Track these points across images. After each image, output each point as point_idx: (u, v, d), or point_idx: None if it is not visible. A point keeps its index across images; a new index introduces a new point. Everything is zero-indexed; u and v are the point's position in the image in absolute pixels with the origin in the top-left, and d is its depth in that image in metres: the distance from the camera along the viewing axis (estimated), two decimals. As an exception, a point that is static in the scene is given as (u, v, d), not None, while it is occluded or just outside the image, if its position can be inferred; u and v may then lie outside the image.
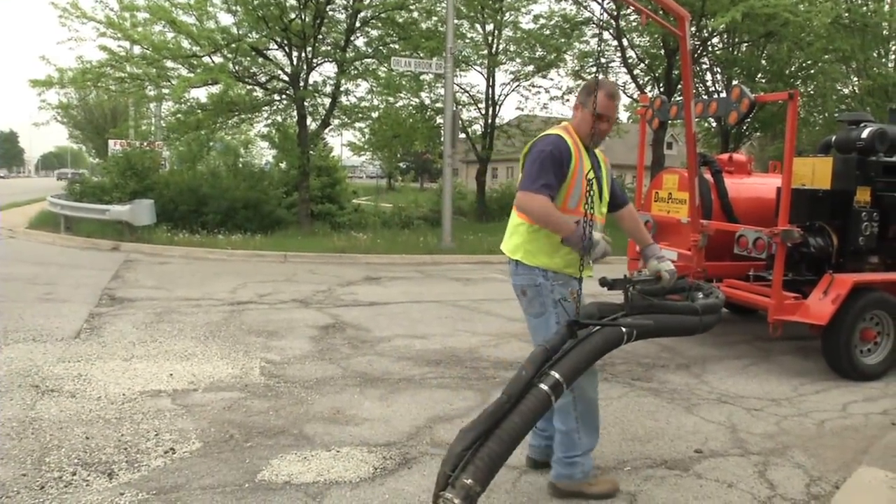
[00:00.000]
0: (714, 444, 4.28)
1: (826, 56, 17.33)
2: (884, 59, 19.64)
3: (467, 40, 20.76)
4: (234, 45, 14.92)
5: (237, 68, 15.82)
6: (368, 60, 17.74)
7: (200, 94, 17.99)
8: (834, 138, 6.54)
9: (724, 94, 21.61)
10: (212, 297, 8.28)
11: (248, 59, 16.27)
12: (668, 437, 4.37)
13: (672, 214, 6.96)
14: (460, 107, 21.29)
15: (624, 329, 2.93)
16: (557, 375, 2.76)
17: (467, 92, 22.15)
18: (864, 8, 18.01)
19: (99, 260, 11.45)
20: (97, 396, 4.69)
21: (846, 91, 20.04)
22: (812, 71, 18.74)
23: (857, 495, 3.62)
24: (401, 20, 17.28)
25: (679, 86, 19.33)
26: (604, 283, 3.18)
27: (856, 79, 20.25)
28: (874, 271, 6.20)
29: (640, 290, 3.18)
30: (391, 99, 18.19)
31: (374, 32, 17.88)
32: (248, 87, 16.74)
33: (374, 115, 18.60)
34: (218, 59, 15.21)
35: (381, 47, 17.58)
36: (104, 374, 5.18)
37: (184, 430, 4.17)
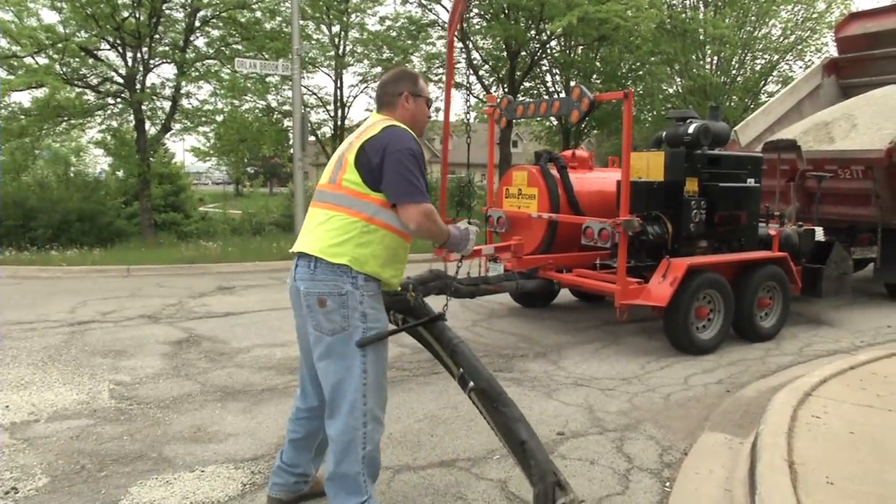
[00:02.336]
0: (574, 425, 4.50)
1: (653, 58, 18.75)
2: (701, 62, 21.53)
3: (314, 41, 20.46)
4: (60, 45, 13.78)
5: (65, 70, 14.63)
6: (210, 62, 17.02)
7: (23, 98, 16.51)
8: (664, 134, 7.08)
9: (563, 94, 22.84)
10: (48, 319, 7.61)
11: (77, 59, 15.10)
12: (532, 423, 4.47)
13: (522, 209, 7.24)
14: (309, 109, 20.96)
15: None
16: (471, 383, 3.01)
17: (315, 94, 21.85)
18: (683, 15, 19.65)
19: None
20: (-85, 438, 4.18)
21: (671, 91, 21.79)
22: (641, 72, 20.18)
23: (703, 458, 3.95)
24: (243, 20, 16.72)
25: (522, 86, 20.25)
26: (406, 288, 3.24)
27: (679, 79, 22.05)
28: (704, 254, 6.78)
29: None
30: (236, 102, 17.58)
31: (216, 32, 17.18)
32: (78, 90, 15.54)
33: (219, 118, 17.88)
34: (43, 59, 14.00)
35: (223, 48, 16.93)
36: (-78, 413, 4.62)
37: (27, 465, 3.80)
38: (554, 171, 7.20)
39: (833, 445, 3.77)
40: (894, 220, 8.45)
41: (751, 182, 7.04)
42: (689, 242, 6.73)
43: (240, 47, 16.65)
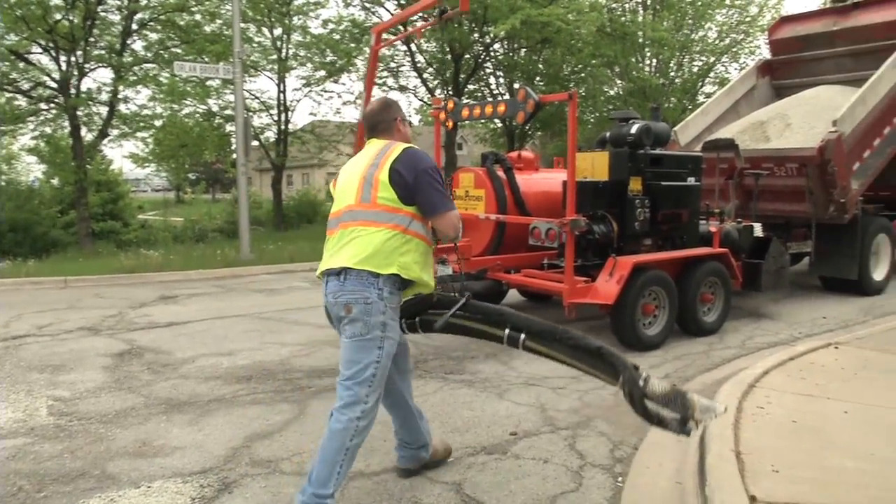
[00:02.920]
0: (527, 424, 4.53)
1: (594, 61, 19.08)
2: (640, 64, 22.02)
3: (255, 44, 20.17)
4: (-13, 49, 13.27)
5: (-7, 74, 14.11)
6: (149, 65, 16.63)
7: (-53, 104, 15.80)
8: (608, 134, 7.20)
9: (507, 96, 23.04)
10: (-22, 334, 7.28)
11: (7, 63, 14.53)
12: (485, 424, 4.55)
13: (470, 211, 7.26)
14: (251, 113, 20.65)
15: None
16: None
17: (258, 98, 21.54)
18: (623, 18, 20.06)
19: None
20: None
21: (612, 92, 22.20)
22: (583, 75, 20.53)
23: (654, 453, 4.02)
24: (182, 23, 16.38)
25: (467, 88, 20.33)
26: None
27: (620, 81, 22.50)
28: (649, 252, 6.91)
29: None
30: (176, 106, 17.20)
31: (154, 35, 16.80)
32: (8, 95, 14.96)
33: (158, 123, 17.47)
34: (-32, 63, 13.44)
35: (161, 51, 16.54)
36: None
37: (-44, 488, 3.63)
38: (500, 173, 7.25)
39: (777, 434, 3.88)
40: (826, 215, 8.76)
41: (691, 181, 7.22)
42: (634, 241, 6.86)
43: (179, 51, 16.31)
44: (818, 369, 5.30)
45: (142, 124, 17.20)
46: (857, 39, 10.35)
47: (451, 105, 7.20)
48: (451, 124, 7.29)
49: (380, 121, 3.41)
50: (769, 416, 4.14)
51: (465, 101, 7.29)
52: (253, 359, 6.27)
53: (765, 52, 14.63)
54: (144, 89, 16.85)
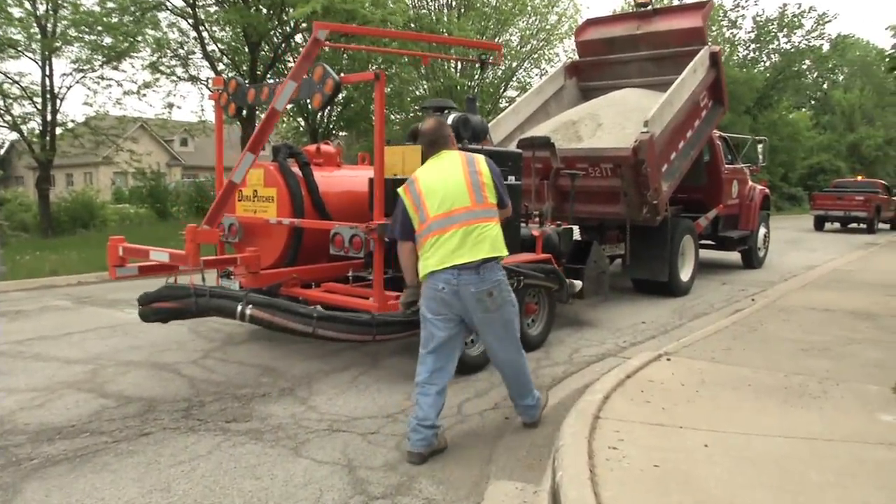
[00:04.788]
0: (331, 495, 3.42)
1: (402, 60, 18.31)
2: (447, 65, 21.67)
3: (16, 20, 17.08)
4: None
5: None
6: None
7: None
8: (420, 125, 6.27)
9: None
10: None
11: None
12: (275, 498, 3.38)
13: (259, 214, 6.02)
14: (9, 100, 17.56)
15: None
16: None
17: (17, 82, 18.29)
18: (430, 18, 19.53)
19: None
20: None
21: (419, 92, 21.66)
22: (389, 73, 19.70)
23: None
24: None
25: (266, 82, 18.69)
26: None
27: (426, 82, 22.02)
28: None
29: None
30: None
31: None
32: None
33: None
34: None
35: None
36: None
37: None
38: (296, 169, 6.07)
39: (643, 488, 3.11)
40: (640, 217, 8.56)
41: (512, 179, 6.50)
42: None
43: None
44: (659, 388, 4.72)
45: None
46: (658, 44, 10.43)
47: (233, 86, 5.91)
48: (233, 109, 5.96)
49: (440, 136, 4.12)
50: (628, 463, 3.38)
51: (250, 83, 6.02)
52: (-49, 418, 4.57)
53: (563, 60, 14.74)
54: None
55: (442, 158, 4.03)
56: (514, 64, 23.06)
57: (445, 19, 19.86)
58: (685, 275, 9.66)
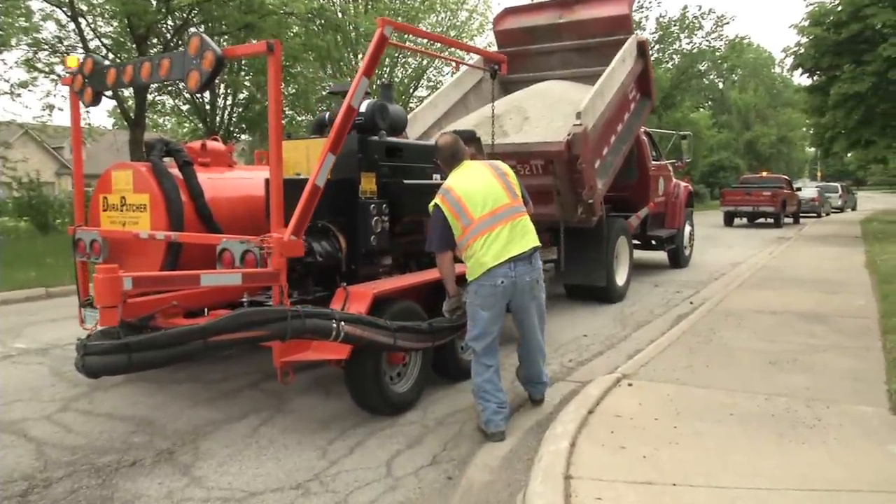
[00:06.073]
0: None
1: (306, 55, 17.04)
2: (354, 62, 20.53)
3: None
4: None
5: None
6: None
7: None
8: (327, 115, 5.26)
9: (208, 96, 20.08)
10: None
11: None
12: None
13: (129, 227, 4.84)
14: None
15: None
16: None
17: None
18: (334, 9, 18.32)
19: None
20: None
21: (325, 92, 20.40)
22: (293, 71, 18.40)
23: None
24: None
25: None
26: None
27: (332, 83, 20.80)
28: (390, 276, 5.11)
29: None
30: None
31: None
32: None
33: None
34: None
35: None
36: None
37: None
38: (174, 170, 4.91)
39: None
40: (575, 217, 7.80)
41: (437, 178, 5.57)
42: (370, 261, 5.00)
43: None
44: (630, 426, 3.89)
45: None
46: (582, 34, 9.78)
47: (89, 66, 4.70)
48: (90, 95, 4.73)
49: (459, 149, 4.35)
50: (627, 557, 2.49)
51: (110, 63, 4.80)
52: None
53: (476, 58, 13.93)
54: None
55: (467, 168, 4.27)
56: (425, 62, 22.15)
57: (352, 11, 18.70)
58: (621, 278, 9.00)
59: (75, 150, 5.27)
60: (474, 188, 4.07)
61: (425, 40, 13.56)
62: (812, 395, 4.47)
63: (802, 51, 19.06)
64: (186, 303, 4.54)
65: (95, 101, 4.73)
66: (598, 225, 8.19)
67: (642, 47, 9.46)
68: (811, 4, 18.70)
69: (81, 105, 5.00)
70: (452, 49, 16.93)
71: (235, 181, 5.37)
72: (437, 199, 4.12)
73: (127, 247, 4.84)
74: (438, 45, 17.90)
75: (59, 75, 17.73)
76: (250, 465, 3.79)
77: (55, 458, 3.93)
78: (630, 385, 4.73)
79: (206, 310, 4.77)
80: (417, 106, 13.64)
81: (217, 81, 19.02)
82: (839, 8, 17.73)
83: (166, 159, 5.01)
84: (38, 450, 4.07)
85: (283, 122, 19.29)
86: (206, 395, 5.01)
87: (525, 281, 4.04)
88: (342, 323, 3.83)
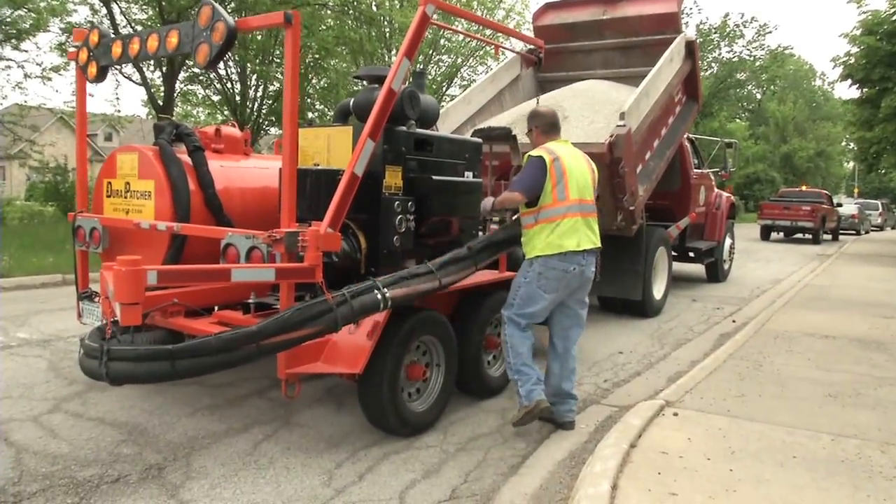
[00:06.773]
0: None
1: (338, 48, 16.69)
2: (387, 57, 20.17)
3: None
4: None
5: None
6: None
7: None
8: (352, 102, 4.81)
9: (240, 86, 19.80)
10: None
11: None
12: None
13: (132, 215, 4.44)
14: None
15: None
16: None
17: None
18: (365, 3, 17.96)
19: None
20: None
21: (358, 87, 20.09)
22: (324, 64, 18.08)
23: None
24: None
25: (186, 73, 16.72)
26: None
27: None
28: (413, 279, 4.65)
29: None
30: None
31: None
32: None
33: None
34: None
35: None
36: None
37: None
38: (183, 156, 4.51)
39: None
40: (613, 225, 7.29)
41: (469, 176, 5.11)
42: (393, 263, 4.51)
43: None
44: (679, 468, 3.39)
45: None
46: (626, 31, 9.25)
47: (95, 38, 4.31)
48: (95, 70, 4.35)
49: (557, 121, 4.39)
50: None
51: (117, 35, 4.40)
52: None
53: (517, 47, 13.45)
54: None
55: (568, 146, 4.27)
56: (459, 60, 21.70)
57: (387, 6, 18.32)
58: (658, 292, 8.45)
59: (79, 131, 4.89)
60: (578, 170, 4.10)
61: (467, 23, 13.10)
62: (886, 438, 3.94)
63: (853, 61, 18.28)
64: (187, 301, 4.12)
65: (100, 76, 4.34)
66: (637, 234, 7.67)
67: (691, 47, 8.92)
68: (865, 13, 17.91)
69: (89, 85, 4.62)
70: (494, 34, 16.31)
71: (250, 170, 4.95)
72: (542, 153, 4.05)
73: (128, 236, 4.44)
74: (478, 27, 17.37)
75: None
76: (246, 490, 3.35)
77: (33, 468, 3.54)
78: (675, 415, 4.22)
79: (215, 307, 4.37)
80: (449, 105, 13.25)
81: (248, 72, 18.80)
82: (894, 17, 16.94)
83: (176, 144, 4.60)
84: (17, 457, 3.68)
85: (314, 116, 18.97)
86: (208, 402, 4.61)
87: (592, 271, 4.14)
88: (386, 290, 3.64)
